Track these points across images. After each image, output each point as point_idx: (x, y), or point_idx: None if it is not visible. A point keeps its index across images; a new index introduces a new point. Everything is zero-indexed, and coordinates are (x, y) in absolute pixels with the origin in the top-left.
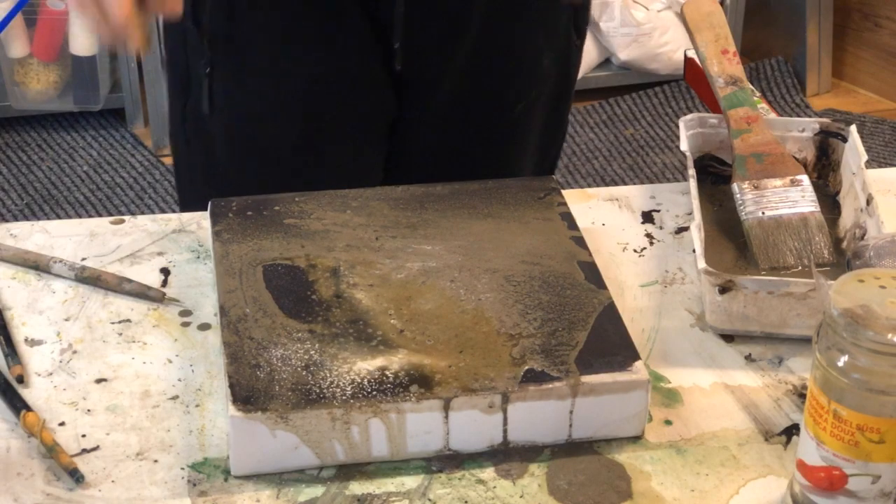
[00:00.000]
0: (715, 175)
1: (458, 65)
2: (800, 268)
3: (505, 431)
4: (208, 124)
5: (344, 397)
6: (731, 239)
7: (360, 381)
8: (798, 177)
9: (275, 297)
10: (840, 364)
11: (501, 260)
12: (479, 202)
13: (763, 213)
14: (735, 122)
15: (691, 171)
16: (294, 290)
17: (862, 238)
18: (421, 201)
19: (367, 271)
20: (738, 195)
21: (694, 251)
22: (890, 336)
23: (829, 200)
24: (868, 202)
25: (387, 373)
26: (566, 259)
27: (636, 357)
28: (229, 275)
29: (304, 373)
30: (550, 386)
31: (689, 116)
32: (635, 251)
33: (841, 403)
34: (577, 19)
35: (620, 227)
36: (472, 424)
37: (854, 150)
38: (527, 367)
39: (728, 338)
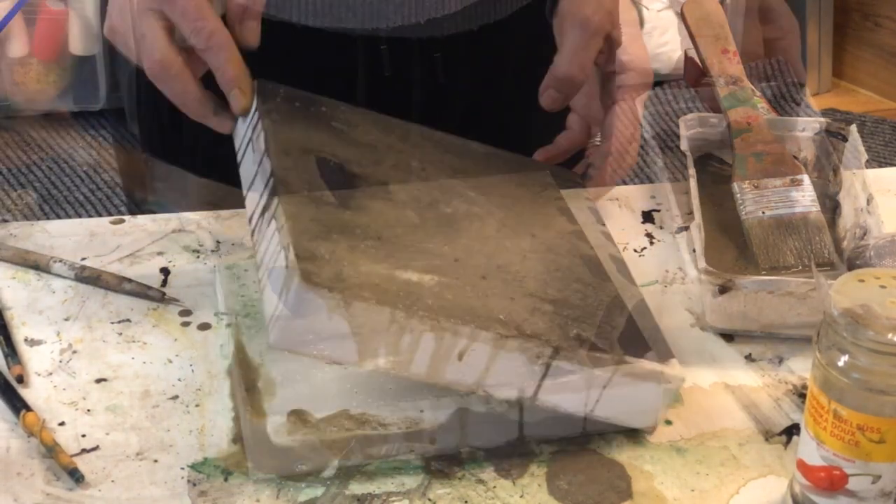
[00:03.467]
0: (715, 175)
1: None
2: (800, 267)
3: (537, 388)
4: None
5: (408, 301)
6: (731, 239)
7: (428, 287)
8: (798, 176)
9: (333, 191)
10: (840, 364)
11: (542, 232)
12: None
13: (763, 212)
14: (735, 122)
15: (691, 171)
16: (351, 189)
17: (862, 238)
18: (460, 154)
19: (416, 191)
20: (738, 195)
21: (694, 251)
22: (890, 336)
23: (829, 200)
24: (868, 202)
25: (450, 288)
26: (598, 249)
27: (671, 354)
28: (283, 153)
29: (372, 263)
30: (598, 355)
31: (689, 116)
32: (635, 251)
33: (841, 403)
34: None
35: (620, 227)
36: (512, 370)
37: (854, 149)
38: (576, 331)
39: (728, 337)
